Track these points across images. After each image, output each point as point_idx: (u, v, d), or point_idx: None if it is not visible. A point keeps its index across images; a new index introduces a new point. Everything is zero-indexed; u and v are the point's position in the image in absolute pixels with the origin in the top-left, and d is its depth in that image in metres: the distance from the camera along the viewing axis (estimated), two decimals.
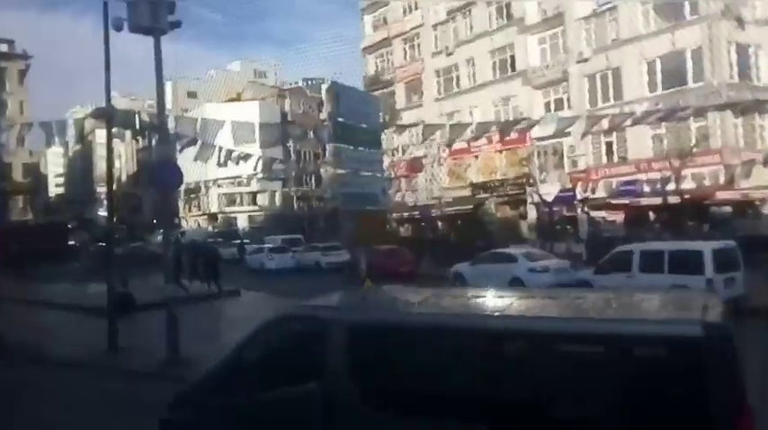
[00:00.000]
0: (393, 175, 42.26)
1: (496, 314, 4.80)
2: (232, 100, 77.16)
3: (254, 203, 72.86)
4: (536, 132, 32.59)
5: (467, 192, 36.70)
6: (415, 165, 40.01)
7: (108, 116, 12.32)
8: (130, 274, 22.29)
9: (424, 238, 33.72)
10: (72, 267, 32.74)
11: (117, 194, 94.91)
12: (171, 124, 16.29)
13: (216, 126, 14.94)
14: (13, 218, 54.27)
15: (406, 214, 39.68)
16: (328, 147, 44.74)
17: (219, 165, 17.24)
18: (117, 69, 12.00)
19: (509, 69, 34.63)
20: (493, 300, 5.54)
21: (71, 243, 45.30)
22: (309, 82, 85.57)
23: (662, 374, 3.75)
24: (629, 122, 22.65)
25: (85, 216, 75.34)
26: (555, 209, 30.17)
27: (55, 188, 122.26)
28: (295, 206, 74.06)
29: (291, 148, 76.58)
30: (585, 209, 28.05)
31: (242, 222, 70.09)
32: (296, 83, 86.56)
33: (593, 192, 29.09)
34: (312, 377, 4.80)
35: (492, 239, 28.10)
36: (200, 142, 16.28)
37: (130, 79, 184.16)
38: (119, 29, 10.62)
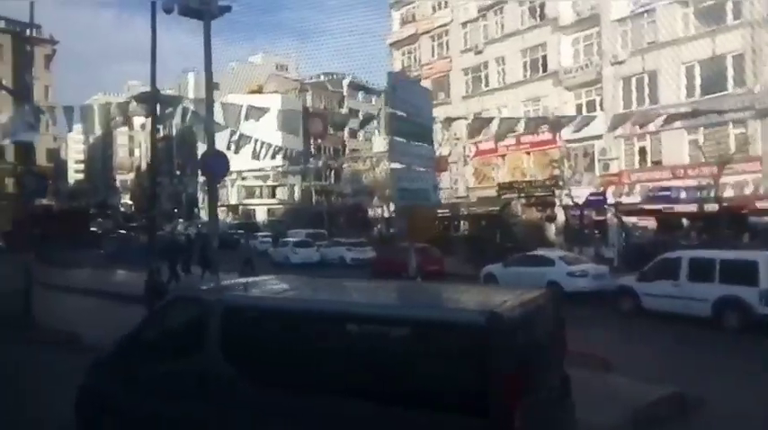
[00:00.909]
0: None
1: (335, 300, 5.74)
2: (253, 92, 77.15)
3: (273, 196, 72.84)
4: (566, 134, 32.25)
5: (492, 193, 36.25)
6: (440, 164, 39.52)
7: (153, 100, 12.07)
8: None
9: (453, 237, 33.18)
10: (94, 253, 32.79)
11: (135, 183, 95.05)
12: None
13: (258, 113, 14.66)
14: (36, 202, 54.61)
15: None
16: (378, 140, 44.37)
17: (255, 156, 16.95)
18: (136, 59, 11.86)
19: (540, 69, 34.12)
20: (344, 289, 6.75)
21: (92, 229, 45.62)
22: (331, 76, 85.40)
23: (454, 353, 4.51)
24: (661, 122, 22.06)
25: (108, 203, 75.72)
26: (584, 212, 29.67)
27: (74, 174, 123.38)
28: (313, 201, 73.99)
29: (312, 143, 76.61)
30: (617, 213, 27.48)
31: (260, 215, 70.16)
32: (317, 77, 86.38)
33: (626, 196, 28.50)
34: (194, 352, 5.50)
35: (518, 241, 27.67)
36: (238, 132, 16.00)
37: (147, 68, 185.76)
38: (169, 11, 10.39)
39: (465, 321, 4.53)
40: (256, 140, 17.37)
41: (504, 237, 27.84)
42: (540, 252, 19.87)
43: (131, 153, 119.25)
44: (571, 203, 29.35)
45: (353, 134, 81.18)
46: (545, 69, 33.74)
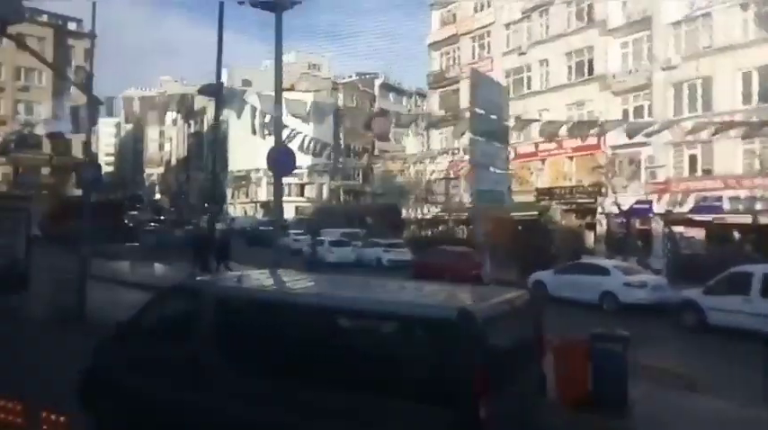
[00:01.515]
0: (453, 175, 41.49)
1: (318, 294, 6.15)
2: (286, 90, 77.18)
3: (302, 194, 72.85)
4: (612, 140, 31.47)
5: (530, 198, 35.53)
6: None
7: (216, 92, 11.82)
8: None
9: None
10: (131, 246, 32.81)
11: (166, 177, 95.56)
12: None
13: (296, 106, 14.34)
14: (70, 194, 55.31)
15: (464, 215, 38.72)
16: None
17: (303, 151, 16.59)
18: (168, 57, 11.70)
19: (586, 73, 33.34)
20: (334, 284, 7.16)
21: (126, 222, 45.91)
22: (363, 76, 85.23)
23: (427, 346, 4.85)
24: (713, 130, 21.23)
25: (139, 196, 76.41)
26: (626, 221, 28.88)
27: (105, 167, 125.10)
28: (341, 200, 73.88)
29: (342, 142, 76.51)
30: (664, 223, 26.66)
31: (289, 213, 70.24)
32: (349, 77, 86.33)
33: (676, 205, 27.62)
34: (187, 339, 5.82)
35: (562, 249, 26.99)
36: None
37: (180, 66, 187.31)
38: (241, 2, 10.12)
39: (437, 316, 4.84)
40: (305, 135, 17.05)
41: (545, 245, 27.12)
42: (594, 260, 19.24)
43: (161, 148, 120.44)
44: (616, 211, 28.57)
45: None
46: (591, 73, 32.96)
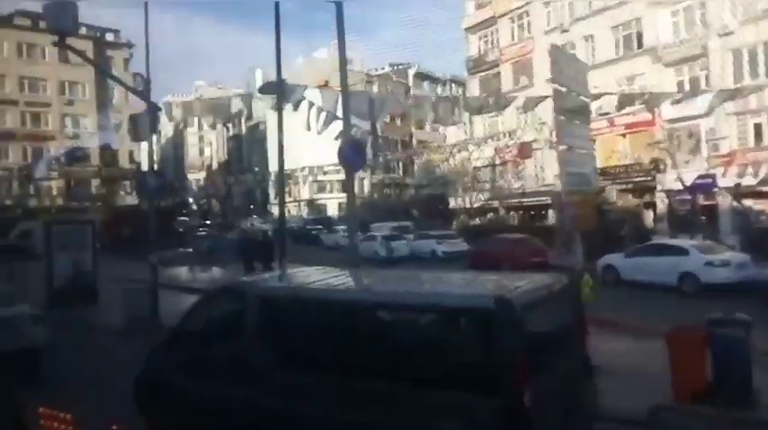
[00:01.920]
0: (498, 161, 40.65)
1: (360, 289, 6.32)
2: (320, 86, 77.13)
3: (344, 191, 72.76)
4: (667, 113, 30.18)
5: None
6: (524, 151, 38.07)
7: (278, 89, 11.57)
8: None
9: (546, 227, 31.35)
10: (184, 252, 33.05)
11: (209, 181, 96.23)
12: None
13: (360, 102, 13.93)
14: (120, 203, 56.54)
15: (515, 201, 37.93)
16: (452, 129, 43.08)
17: (374, 150, 16.18)
18: (201, 62, 11.53)
19: (635, 46, 32.07)
20: (374, 278, 7.30)
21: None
22: (396, 67, 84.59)
23: (467, 336, 4.96)
24: None
25: (185, 201, 77.52)
26: (691, 197, 27.65)
27: None
28: (383, 194, 73.55)
29: (380, 135, 76.09)
30: (732, 197, 25.40)
31: (332, 210, 70.29)
32: (382, 68, 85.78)
33: (743, 178, 26.27)
34: (236, 339, 5.92)
35: (626, 231, 26.04)
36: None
37: (213, 70, 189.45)
38: None
39: (475, 306, 4.93)
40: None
41: (611, 227, 26.17)
42: (670, 240, 18.39)
43: (201, 152, 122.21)
44: (679, 187, 27.37)
45: (420, 125, 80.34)
46: (640, 46, 31.67)
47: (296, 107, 11.41)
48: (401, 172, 75.99)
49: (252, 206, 69.41)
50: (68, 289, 16.94)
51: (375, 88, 78.72)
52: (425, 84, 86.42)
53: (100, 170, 56.61)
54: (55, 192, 54.10)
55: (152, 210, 13.51)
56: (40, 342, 10.33)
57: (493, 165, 40.93)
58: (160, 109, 13.72)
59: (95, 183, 56.69)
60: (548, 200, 36.26)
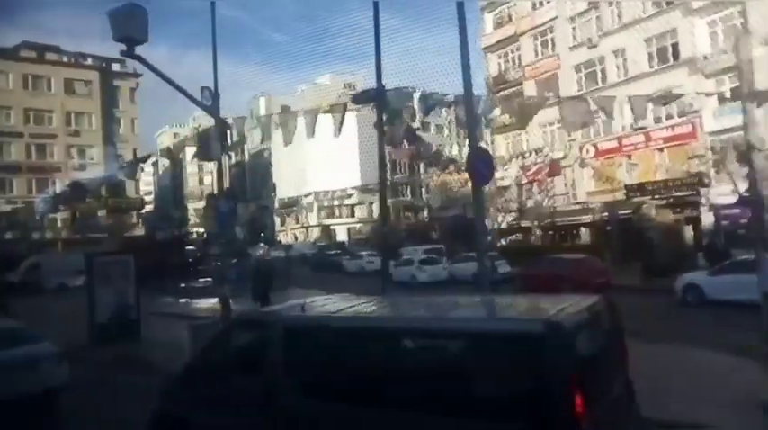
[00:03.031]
0: (524, 180, 39.57)
1: (392, 316, 6.03)
2: (326, 112, 76.40)
3: (353, 215, 71.62)
4: (709, 125, 29.32)
5: (618, 196, 33.36)
6: (553, 168, 37.03)
7: (379, 97, 10.38)
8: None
9: (613, 245, 29.88)
10: (204, 282, 31.49)
11: (209, 210, 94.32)
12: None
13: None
14: (126, 233, 54.97)
15: (543, 221, 36.72)
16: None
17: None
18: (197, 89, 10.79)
19: (671, 58, 31.28)
20: (402, 304, 6.85)
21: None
22: (400, 91, 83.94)
23: (515, 364, 4.51)
24: None
25: (189, 231, 75.98)
26: (739, 212, 26.53)
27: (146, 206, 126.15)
28: (392, 217, 72.34)
29: (388, 158, 75.19)
30: None
31: (341, 235, 69.09)
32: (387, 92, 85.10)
33: None
34: (258, 371, 5.67)
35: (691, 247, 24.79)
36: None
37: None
38: None
39: (522, 331, 4.57)
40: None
41: (675, 244, 24.90)
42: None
43: (201, 181, 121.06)
44: (730, 201, 26.24)
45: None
46: (676, 58, 30.88)
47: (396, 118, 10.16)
48: (410, 194, 74.87)
49: (262, 234, 67.94)
50: (111, 324, 15.54)
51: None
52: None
53: (106, 201, 55.09)
54: (60, 225, 52.50)
55: (125, 242, 12.05)
56: (64, 382, 9.86)
57: (519, 185, 39.82)
58: (230, 126, 12.49)
59: (101, 214, 55.16)
60: (581, 218, 35.17)
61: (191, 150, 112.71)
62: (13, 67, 51.40)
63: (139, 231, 57.25)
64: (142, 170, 46.17)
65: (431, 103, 13.83)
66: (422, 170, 75.28)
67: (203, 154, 13.03)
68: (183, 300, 25.34)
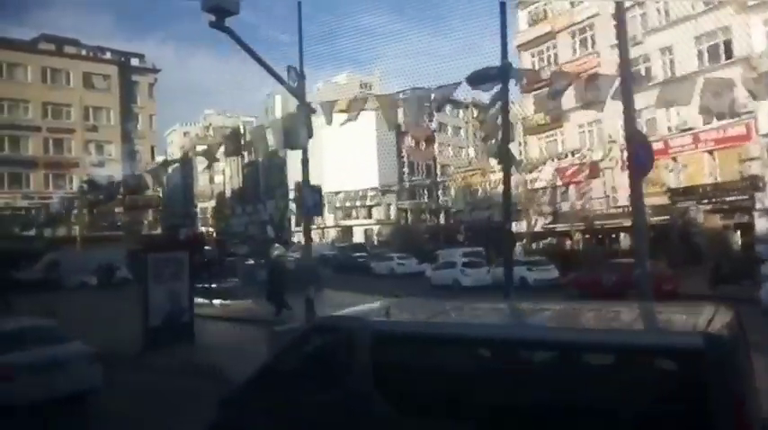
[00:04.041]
0: (559, 183, 38.42)
1: (510, 325, 5.33)
2: (342, 111, 75.42)
3: (370, 217, 70.47)
4: (765, 127, 28.15)
5: (663, 200, 32.14)
6: (593, 170, 35.87)
7: (504, 74, 9.28)
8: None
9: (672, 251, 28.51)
10: (233, 283, 30.41)
11: (219, 209, 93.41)
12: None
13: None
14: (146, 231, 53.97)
15: (583, 225, 35.51)
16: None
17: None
18: (208, 88, 9.49)
19: (722, 56, 30.09)
20: (507, 312, 6.13)
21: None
22: (417, 91, 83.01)
23: (666, 383, 4.04)
24: None
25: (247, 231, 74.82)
26: None
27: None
28: (408, 219, 71.34)
29: (405, 160, 74.11)
30: None
31: (357, 236, 67.98)
32: (404, 92, 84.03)
33: None
34: (340, 383, 5.07)
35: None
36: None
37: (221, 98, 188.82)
38: None
39: (677, 345, 4.01)
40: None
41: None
42: None
43: (212, 180, 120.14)
44: None
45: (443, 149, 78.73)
46: (729, 56, 29.69)
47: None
48: (426, 197, 73.70)
49: (280, 235, 66.87)
50: (165, 327, 14.42)
51: (400, 112, 77.31)
52: (447, 108, 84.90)
53: (124, 198, 54.05)
54: (74, 220, 51.48)
55: (307, 228, 10.94)
56: (97, 384, 9.40)
57: (554, 187, 38.65)
58: (314, 110, 11.37)
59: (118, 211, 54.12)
60: (622, 222, 33.98)
61: (201, 149, 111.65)
62: (31, 59, 50.43)
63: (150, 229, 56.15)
64: (166, 171, 45.12)
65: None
66: (439, 172, 74.53)
67: (287, 142, 11.82)
68: (216, 302, 24.17)
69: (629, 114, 8.31)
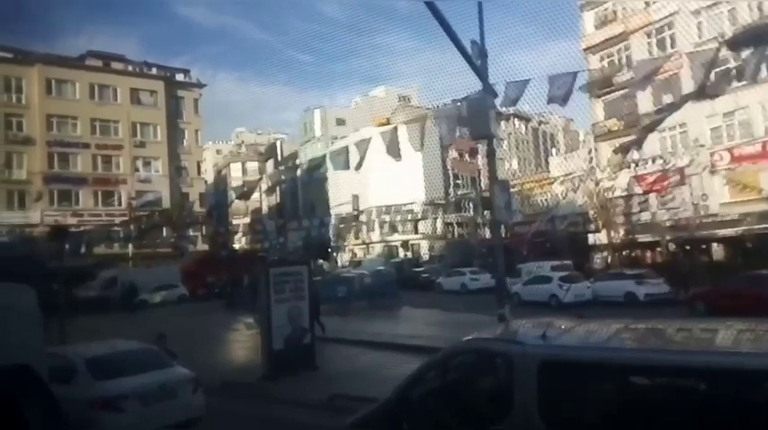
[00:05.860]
0: (638, 191, 36.16)
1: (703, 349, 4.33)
2: (381, 124, 74.26)
3: (416, 232, 68.56)
4: None
5: (761, 207, 29.78)
6: (678, 177, 33.60)
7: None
8: None
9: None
10: None
11: (254, 226, 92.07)
12: None
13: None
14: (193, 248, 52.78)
15: (673, 236, 33.18)
16: (555, 160, 38.54)
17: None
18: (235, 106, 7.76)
19: None
20: (687, 334, 5.05)
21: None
22: (459, 102, 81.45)
23: None
24: None
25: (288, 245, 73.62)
26: None
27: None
28: (456, 233, 69.38)
29: (450, 173, 72.37)
30: None
31: (402, 251, 66.16)
32: (444, 104, 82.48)
33: None
34: (496, 416, 4.58)
35: None
36: None
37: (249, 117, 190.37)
38: None
39: None
40: None
41: None
42: None
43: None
44: None
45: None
46: None
47: None
48: (471, 211, 71.67)
49: (329, 250, 65.27)
50: (288, 351, 12.72)
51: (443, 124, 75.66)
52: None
53: (171, 215, 53.04)
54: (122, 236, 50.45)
55: (195, 258, 9.13)
56: (201, 413, 8.78)
57: (630, 196, 36.39)
58: (496, 95, 9.64)
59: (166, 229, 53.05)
60: (715, 232, 31.63)
61: (235, 167, 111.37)
62: (79, 76, 49.94)
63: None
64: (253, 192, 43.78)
65: None
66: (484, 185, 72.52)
67: (472, 132, 10.14)
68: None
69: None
